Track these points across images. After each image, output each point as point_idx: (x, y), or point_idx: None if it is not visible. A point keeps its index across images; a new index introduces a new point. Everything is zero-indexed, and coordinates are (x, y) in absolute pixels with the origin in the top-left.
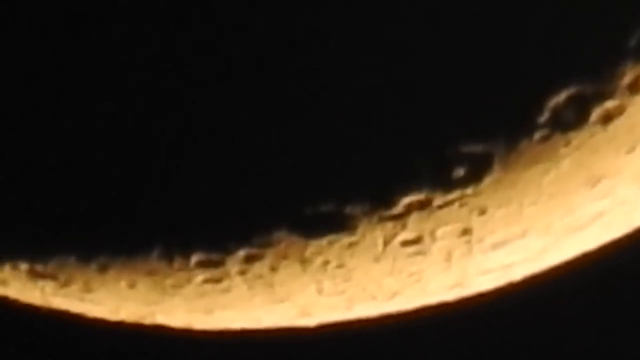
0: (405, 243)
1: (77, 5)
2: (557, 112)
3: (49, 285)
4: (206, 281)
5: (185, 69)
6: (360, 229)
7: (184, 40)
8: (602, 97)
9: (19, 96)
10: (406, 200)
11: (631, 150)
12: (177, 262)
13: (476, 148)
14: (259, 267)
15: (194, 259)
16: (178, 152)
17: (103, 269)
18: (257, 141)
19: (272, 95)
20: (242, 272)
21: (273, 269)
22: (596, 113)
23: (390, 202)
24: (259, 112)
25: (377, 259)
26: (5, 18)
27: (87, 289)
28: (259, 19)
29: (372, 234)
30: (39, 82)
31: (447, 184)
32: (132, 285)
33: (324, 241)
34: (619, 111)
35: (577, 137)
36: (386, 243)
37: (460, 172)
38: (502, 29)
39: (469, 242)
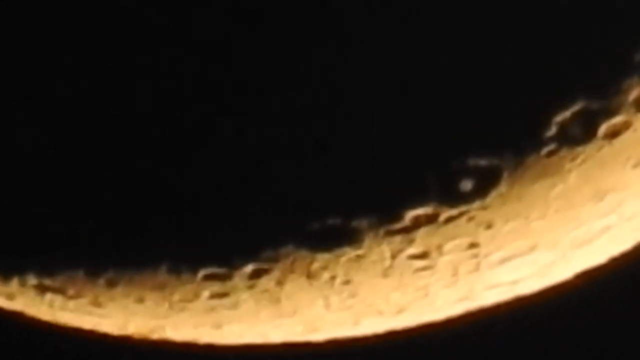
0: (413, 257)
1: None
2: (564, 127)
3: (57, 300)
4: (214, 296)
5: (197, 92)
6: (367, 243)
7: (196, 60)
8: (609, 112)
9: (30, 111)
10: (413, 214)
11: (637, 164)
12: (185, 277)
13: (483, 162)
14: (266, 282)
15: (202, 273)
16: (185, 169)
17: (111, 283)
18: (262, 156)
19: (279, 112)
20: (249, 287)
21: (280, 283)
22: (603, 128)
23: (397, 216)
24: (265, 127)
25: (384, 274)
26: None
27: (96, 303)
28: (270, 48)
29: (379, 248)
30: (50, 97)
31: (454, 198)
32: (140, 300)
33: (330, 255)
34: (626, 126)
35: (584, 152)
36: (393, 257)
37: (467, 186)
38: (509, 45)
39: (476, 256)
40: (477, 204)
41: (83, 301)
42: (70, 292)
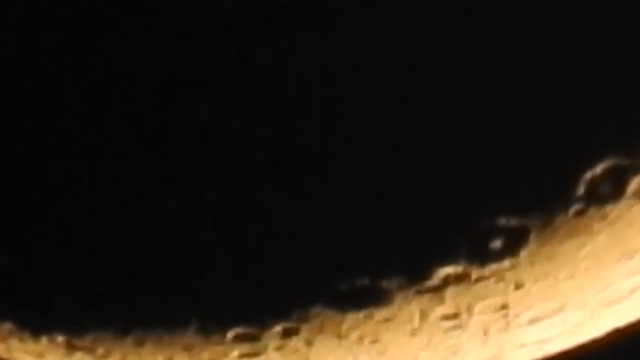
0: (442, 317)
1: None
2: (593, 186)
3: (86, 359)
4: (242, 356)
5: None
6: (397, 303)
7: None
8: (638, 170)
9: (61, 174)
10: (443, 273)
11: None
12: (214, 337)
13: (512, 221)
14: (295, 342)
15: (231, 333)
16: (216, 228)
17: (140, 342)
18: (291, 216)
19: (305, 169)
20: (278, 347)
21: (309, 343)
22: (632, 186)
23: (426, 276)
24: (292, 186)
25: (413, 333)
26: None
27: None
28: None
29: (408, 308)
30: (80, 168)
31: (484, 258)
32: None
33: (360, 315)
34: None
35: (613, 211)
36: (423, 317)
37: (496, 245)
38: (538, 103)
39: (506, 316)
40: (506, 263)
41: None
42: (100, 351)
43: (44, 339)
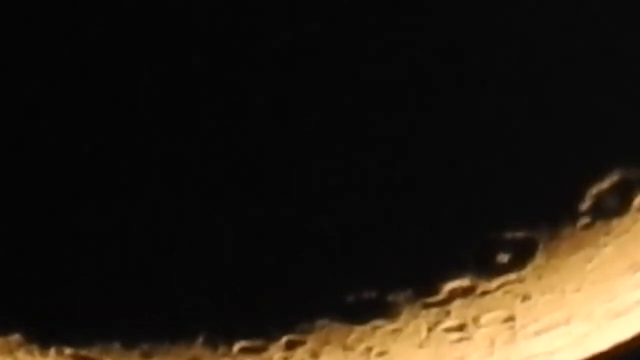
0: (449, 330)
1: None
2: (599, 199)
3: None
4: None
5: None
6: (404, 316)
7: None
8: None
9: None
10: (449, 286)
11: None
12: (221, 349)
13: (519, 234)
14: (301, 353)
15: (237, 345)
16: (219, 241)
17: (147, 355)
18: (298, 229)
19: (311, 180)
20: (284, 359)
21: (315, 355)
22: (638, 200)
23: (433, 289)
24: (298, 198)
25: (420, 346)
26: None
27: None
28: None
29: (415, 321)
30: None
31: (490, 271)
32: None
33: (366, 327)
34: None
35: (620, 224)
36: (429, 330)
37: (503, 258)
38: (546, 117)
39: (512, 328)
40: (513, 276)
41: None
42: None
43: (51, 351)
